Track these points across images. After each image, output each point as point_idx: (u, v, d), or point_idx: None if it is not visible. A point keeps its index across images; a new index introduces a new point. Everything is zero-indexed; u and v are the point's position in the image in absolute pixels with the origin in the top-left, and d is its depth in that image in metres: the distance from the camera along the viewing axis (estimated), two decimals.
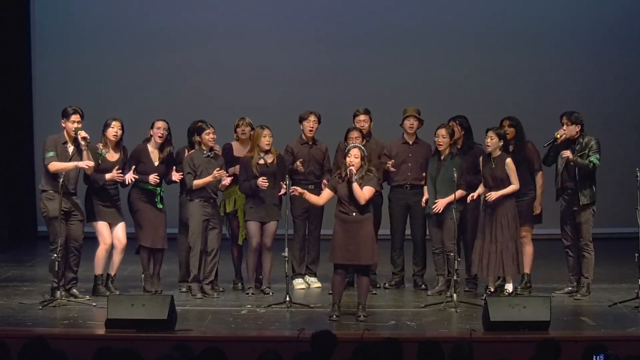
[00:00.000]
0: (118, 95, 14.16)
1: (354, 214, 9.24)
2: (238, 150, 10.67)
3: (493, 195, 9.95)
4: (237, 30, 14.59)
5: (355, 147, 9.36)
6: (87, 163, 9.83)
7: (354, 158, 9.24)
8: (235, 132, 10.75)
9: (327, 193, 9.44)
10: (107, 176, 10.09)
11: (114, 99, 13.93)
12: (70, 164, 9.87)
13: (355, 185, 9.17)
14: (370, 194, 9.27)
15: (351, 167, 9.19)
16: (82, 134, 9.89)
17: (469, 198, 10.14)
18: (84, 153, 9.91)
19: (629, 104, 14.77)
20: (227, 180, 10.20)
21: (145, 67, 14.64)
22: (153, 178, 10.17)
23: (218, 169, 10.10)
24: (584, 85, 14.62)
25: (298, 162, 10.62)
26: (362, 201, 9.21)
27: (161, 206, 10.35)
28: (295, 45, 14.65)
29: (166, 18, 14.68)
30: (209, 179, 10.11)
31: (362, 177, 9.24)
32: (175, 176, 10.27)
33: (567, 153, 10.01)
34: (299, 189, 9.54)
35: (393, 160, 10.63)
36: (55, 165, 9.86)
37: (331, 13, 14.74)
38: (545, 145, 10.28)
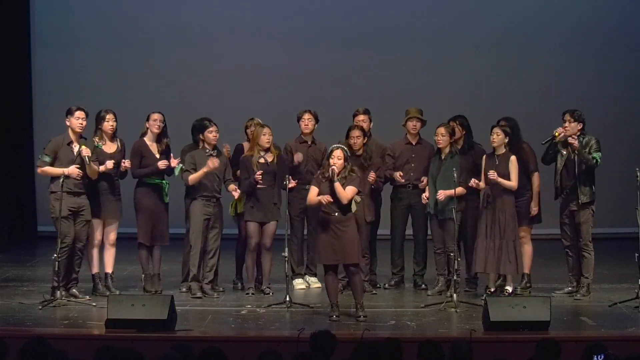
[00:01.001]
0: (118, 95, 14.12)
1: (335, 214, 9.25)
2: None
3: (492, 174, 9.89)
4: (237, 31, 14.58)
5: (338, 147, 9.36)
6: (72, 171, 9.77)
7: (336, 159, 9.25)
8: (246, 132, 10.72)
9: (314, 190, 9.39)
10: (102, 168, 10.07)
11: (114, 98, 13.83)
12: (57, 171, 9.82)
13: (337, 185, 9.18)
14: (353, 193, 9.29)
15: (333, 167, 9.20)
16: (84, 152, 9.88)
17: (471, 182, 10.06)
18: (87, 167, 9.90)
19: (629, 104, 14.78)
20: (236, 193, 10.17)
21: (145, 67, 14.64)
22: (162, 163, 10.14)
23: (213, 157, 10.07)
24: (585, 86, 14.61)
25: (298, 155, 10.59)
26: (345, 201, 9.21)
27: (167, 200, 10.35)
28: (296, 45, 14.65)
29: (166, 18, 14.67)
30: (203, 170, 10.06)
31: (344, 177, 9.25)
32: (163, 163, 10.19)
33: (573, 140, 10.00)
34: (327, 197, 9.28)
35: (401, 172, 10.62)
36: (44, 170, 9.90)
37: (332, 13, 14.74)
38: (544, 142, 10.28)
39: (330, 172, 9.21)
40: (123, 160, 10.16)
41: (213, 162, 10.01)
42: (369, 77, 14.57)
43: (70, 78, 14.49)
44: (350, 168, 9.35)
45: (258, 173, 10.20)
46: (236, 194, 10.15)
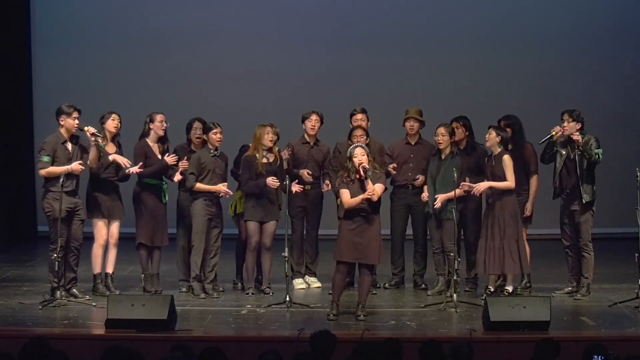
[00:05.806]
0: (118, 95, 14.14)
1: (363, 213, 9.24)
2: None
3: (481, 185, 9.94)
4: (238, 31, 14.58)
5: (358, 146, 9.35)
6: (76, 167, 9.76)
7: (361, 157, 9.23)
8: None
9: (346, 193, 9.26)
10: (111, 157, 10.07)
11: (114, 99, 13.88)
12: (62, 169, 9.80)
13: (369, 182, 9.16)
14: (382, 190, 9.28)
15: (364, 164, 9.18)
16: (91, 129, 9.84)
17: (466, 187, 10.06)
18: (93, 148, 9.88)
19: (630, 104, 14.78)
20: (223, 190, 10.23)
21: (146, 68, 14.64)
22: (171, 158, 10.18)
23: (225, 185, 10.12)
24: (585, 85, 14.62)
25: (305, 173, 10.61)
26: (377, 198, 9.21)
27: (165, 200, 10.35)
28: (297, 46, 14.64)
29: (167, 19, 14.67)
30: (212, 188, 10.13)
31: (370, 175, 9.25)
32: (177, 177, 10.27)
33: (577, 136, 9.98)
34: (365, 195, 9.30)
35: (394, 164, 10.62)
36: (47, 171, 9.82)
37: (333, 15, 14.73)
38: (541, 142, 10.27)
39: (362, 169, 9.18)
40: (128, 168, 10.12)
41: (227, 192, 10.15)
42: (369, 78, 14.56)
43: (70, 78, 14.50)
44: (373, 164, 9.34)
45: (272, 179, 10.14)
46: (222, 191, 10.19)
